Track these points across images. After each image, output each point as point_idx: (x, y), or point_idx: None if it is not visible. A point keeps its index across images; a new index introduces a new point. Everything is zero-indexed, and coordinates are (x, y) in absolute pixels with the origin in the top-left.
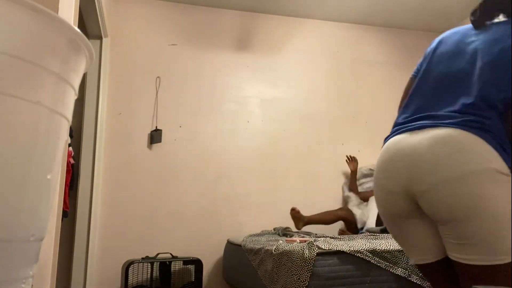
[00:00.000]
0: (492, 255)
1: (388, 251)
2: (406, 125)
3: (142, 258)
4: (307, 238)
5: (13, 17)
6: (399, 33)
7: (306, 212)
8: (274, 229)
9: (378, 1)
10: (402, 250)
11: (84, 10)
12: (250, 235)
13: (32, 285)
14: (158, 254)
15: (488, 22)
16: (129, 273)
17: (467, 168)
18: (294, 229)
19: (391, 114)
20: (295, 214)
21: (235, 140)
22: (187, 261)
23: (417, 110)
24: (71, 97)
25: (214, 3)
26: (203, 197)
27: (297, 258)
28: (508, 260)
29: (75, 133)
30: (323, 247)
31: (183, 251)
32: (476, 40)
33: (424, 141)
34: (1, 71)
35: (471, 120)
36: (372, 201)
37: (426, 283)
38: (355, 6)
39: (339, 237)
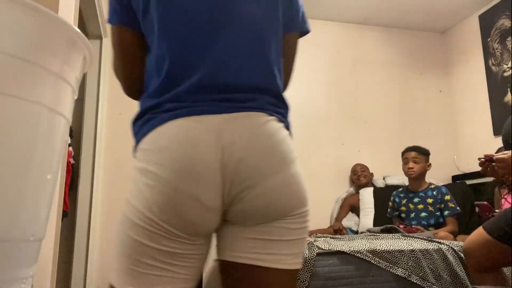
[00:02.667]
0: (301, 256)
1: (388, 251)
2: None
3: None
4: (307, 238)
5: (13, 17)
6: (399, 33)
7: None
8: None
9: (378, 1)
10: (402, 250)
11: (84, 10)
12: None
13: (32, 285)
14: None
15: None
16: None
17: (289, 158)
18: None
19: (391, 114)
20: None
21: None
22: None
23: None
24: (71, 97)
25: None
26: None
27: None
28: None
29: (75, 133)
30: (323, 247)
31: None
32: None
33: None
34: (1, 71)
35: None
36: (362, 202)
37: (426, 283)
38: (355, 6)
39: (339, 237)
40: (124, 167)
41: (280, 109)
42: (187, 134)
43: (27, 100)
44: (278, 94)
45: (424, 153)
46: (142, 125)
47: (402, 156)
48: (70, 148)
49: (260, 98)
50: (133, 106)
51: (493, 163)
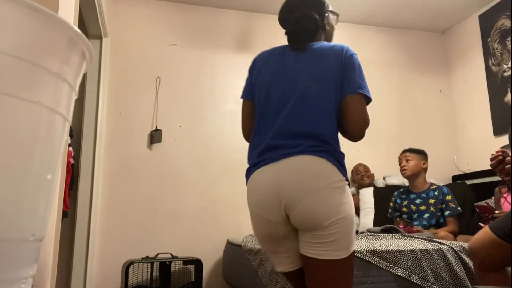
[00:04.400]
0: (345, 249)
1: (388, 251)
2: (266, 155)
3: (142, 258)
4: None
5: (13, 17)
6: (399, 33)
7: None
8: None
9: (378, 1)
10: (402, 250)
11: (84, 10)
12: (251, 235)
13: (32, 285)
14: (158, 254)
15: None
16: (129, 273)
17: (323, 183)
18: None
19: (391, 114)
20: None
21: (235, 140)
22: (187, 261)
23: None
24: (71, 97)
25: (214, 3)
26: (203, 197)
27: None
28: (352, 251)
29: (75, 133)
30: None
31: (183, 251)
32: None
33: (296, 169)
34: (1, 71)
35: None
36: (363, 202)
37: (426, 283)
38: (355, 6)
39: None
40: (124, 167)
41: (322, 148)
42: (256, 181)
43: (27, 100)
44: (322, 138)
45: (417, 152)
46: (247, 173)
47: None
48: (70, 148)
49: (304, 143)
50: (133, 106)
51: (505, 162)
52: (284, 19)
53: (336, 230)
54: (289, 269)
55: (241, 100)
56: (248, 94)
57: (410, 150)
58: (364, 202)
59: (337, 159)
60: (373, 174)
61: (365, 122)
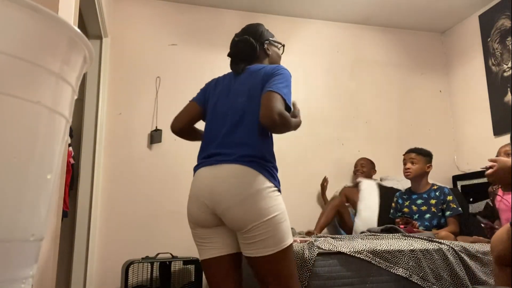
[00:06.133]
0: (275, 246)
1: (389, 251)
2: (207, 159)
3: (142, 258)
4: (307, 238)
5: (13, 17)
6: (399, 33)
7: (305, 212)
8: None
9: (378, 1)
10: (402, 250)
11: (84, 10)
12: None
13: (32, 285)
14: (158, 254)
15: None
16: (129, 273)
17: (248, 192)
18: (295, 230)
19: (391, 114)
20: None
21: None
22: (187, 261)
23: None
24: (71, 97)
25: (214, 3)
26: None
27: (296, 258)
28: (285, 246)
29: (75, 133)
30: (323, 247)
31: (183, 251)
32: None
33: (225, 176)
34: (1, 71)
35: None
36: (363, 195)
37: (426, 283)
38: (355, 6)
39: (340, 237)
40: (124, 167)
41: (252, 158)
42: (197, 177)
43: (27, 100)
44: (253, 148)
45: (423, 154)
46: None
47: (403, 159)
48: (70, 148)
49: (237, 153)
50: (133, 106)
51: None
52: (230, 45)
53: (260, 231)
54: (219, 254)
55: None
56: (198, 100)
57: (416, 151)
58: (363, 197)
59: (266, 168)
60: (374, 170)
61: (271, 113)
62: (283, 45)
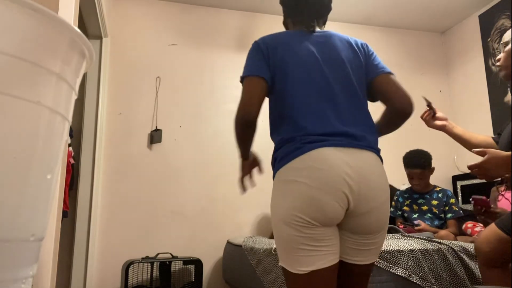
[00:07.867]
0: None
1: (388, 251)
2: (335, 138)
3: (142, 258)
4: None
5: (13, 17)
6: (399, 33)
7: None
8: None
9: (378, 2)
10: (402, 250)
11: (84, 10)
12: (251, 236)
13: (32, 285)
14: (158, 254)
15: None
16: (129, 273)
17: (388, 188)
18: None
19: None
20: None
21: (235, 140)
22: (187, 261)
23: (335, 121)
24: (71, 97)
25: (214, 3)
26: (203, 197)
27: None
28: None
29: (75, 133)
30: None
31: (183, 251)
32: None
33: (374, 166)
34: (1, 71)
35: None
36: None
37: (425, 283)
38: (355, 6)
39: None
40: (124, 167)
41: (376, 147)
42: (328, 161)
43: (27, 100)
44: (375, 134)
45: (427, 165)
46: (292, 151)
47: (405, 168)
48: (70, 148)
49: (367, 138)
50: (133, 106)
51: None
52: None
53: (383, 236)
54: (336, 261)
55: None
56: (265, 73)
57: (420, 166)
58: None
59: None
60: None
61: (412, 101)
62: None
